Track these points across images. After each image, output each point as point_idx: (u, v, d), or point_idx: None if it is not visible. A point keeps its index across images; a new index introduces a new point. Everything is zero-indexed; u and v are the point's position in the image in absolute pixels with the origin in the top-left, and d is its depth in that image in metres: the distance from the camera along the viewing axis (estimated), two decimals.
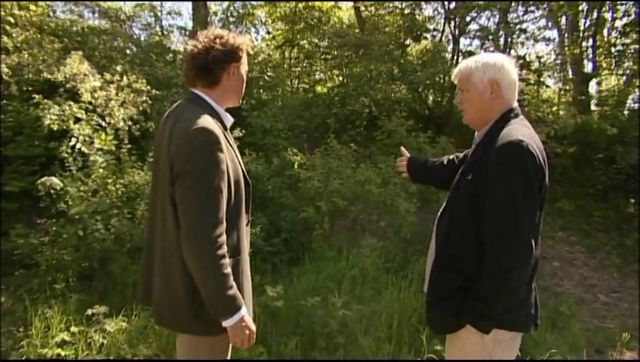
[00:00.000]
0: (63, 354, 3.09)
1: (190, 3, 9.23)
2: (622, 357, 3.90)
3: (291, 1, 9.99)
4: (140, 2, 9.74)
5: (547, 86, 9.70)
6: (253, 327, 1.79)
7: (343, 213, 5.52)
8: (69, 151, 4.42)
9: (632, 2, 8.30)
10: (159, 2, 14.50)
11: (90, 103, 4.93)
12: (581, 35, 9.01)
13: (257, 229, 4.48)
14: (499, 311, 1.75)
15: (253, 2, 10.34)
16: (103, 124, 4.88)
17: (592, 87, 9.61)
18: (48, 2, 7.56)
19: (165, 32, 9.56)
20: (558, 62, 9.13)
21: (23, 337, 3.26)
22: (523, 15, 8.89)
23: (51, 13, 7.71)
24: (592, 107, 9.12)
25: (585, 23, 9.06)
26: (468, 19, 8.95)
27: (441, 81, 8.96)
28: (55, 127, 4.56)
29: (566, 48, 9.13)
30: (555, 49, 9.55)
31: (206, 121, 1.72)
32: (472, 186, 1.82)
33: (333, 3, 10.73)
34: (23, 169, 4.91)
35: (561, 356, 3.54)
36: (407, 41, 9.68)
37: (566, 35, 9.52)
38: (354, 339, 3.44)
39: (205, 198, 1.66)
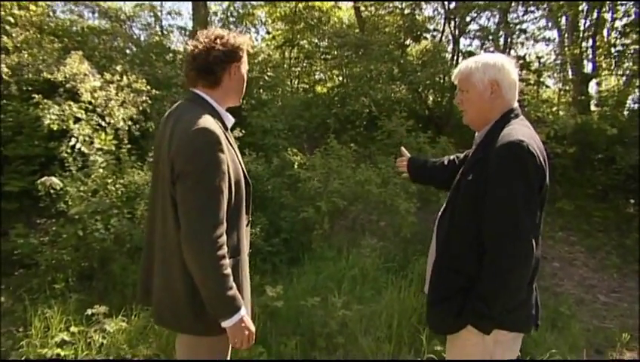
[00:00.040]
0: (62, 354, 3.09)
1: (190, 3, 9.23)
2: (622, 357, 3.90)
3: (291, 1, 9.99)
4: (140, 2, 9.74)
5: (547, 86, 9.70)
6: (253, 328, 1.79)
7: (343, 213, 5.52)
8: (69, 151, 4.42)
9: (632, 2, 8.30)
10: (159, 2, 14.51)
11: (90, 103, 4.93)
12: (581, 35, 9.01)
13: (257, 229, 4.47)
14: (499, 312, 1.75)
15: (253, 2, 10.35)
16: (103, 123, 4.88)
17: (592, 87, 9.62)
18: (48, 2, 7.55)
19: (165, 32, 9.56)
20: (558, 62, 9.13)
21: (23, 337, 3.26)
22: (523, 15, 8.90)
23: (51, 13, 7.70)
24: (592, 107, 9.13)
25: (585, 23, 9.06)
26: (468, 19, 8.95)
27: (441, 81, 8.96)
28: (55, 127, 4.56)
29: (566, 48, 9.13)
30: (555, 49, 9.55)
31: (207, 121, 1.72)
32: (473, 186, 1.82)
33: (333, 3, 10.73)
34: (23, 169, 4.90)
35: (561, 356, 3.54)
36: (407, 41, 9.68)
37: (566, 35, 9.52)
38: (354, 339, 3.44)
39: (206, 199, 1.65)
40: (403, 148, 2.60)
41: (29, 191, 4.59)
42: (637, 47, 8.17)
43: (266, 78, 7.81)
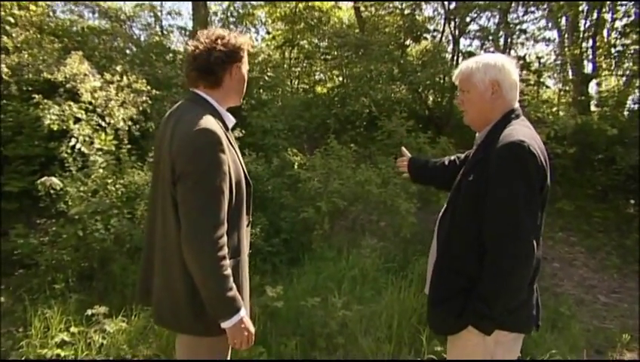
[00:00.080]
0: (62, 354, 3.08)
1: (190, 3, 9.23)
2: (622, 357, 3.90)
3: (291, 1, 9.98)
4: (140, 2, 9.74)
5: (547, 86, 9.70)
6: (252, 329, 1.79)
7: (343, 213, 5.51)
8: (69, 151, 4.42)
9: (632, 3, 8.30)
10: (159, 2, 14.51)
11: (90, 103, 4.93)
12: (581, 35, 9.02)
13: (257, 229, 4.47)
14: (500, 312, 1.75)
15: (253, 2, 10.35)
16: (103, 124, 4.88)
17: (592, 87, 9.63)
18: (48, 2, 7.55)
19: (165, 32, 9.57)
20: (558, 62, 9.13)
21: (23, 337, 3.26)
22: (523, 15, 8.90)
23: (51, 13, 7.70)
24: (592, 108, 9.13)
25: (585, 23, 9.06)
26: (468, 19, 8.95)
27: (441, 81, 8.96)
28: (55, 127, 4.56)
29: (566, 49, 9.13)
30: (555, 49, 9.56)
31: (208, 121, 1.71)
32: (474, 187, 1.82)
33: (333, 3, 10.73)
34: (23, 169, 4.90)
35: (561, 356, 3.54)
36: (407, 42, 9.68)
37: (566, 35, 9.52)
38: (354, 340, 3.44)
39: (206, 199, 1.65)
40: (404, 148, 2.59)
41: (29, 192, 4.59)
42: (637, 47, 8.17)
43: (266, 78, 7.81)
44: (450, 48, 9.50)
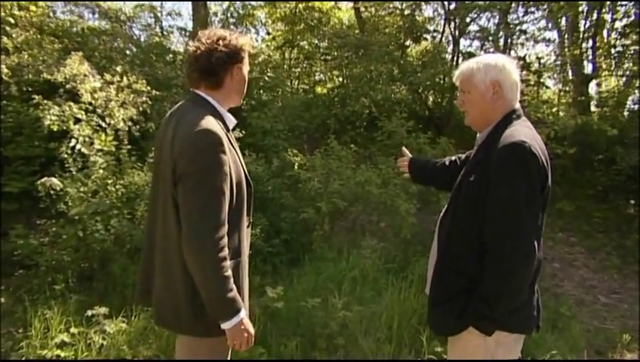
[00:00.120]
0: (62, 355, 3.08)
1: (190, 4, 9.23)
2: (622, 358, 3.90)
3: (292, 0, 9.98)
4: (140, 3, 9.75)
5: (547, 87, 9.71)
6: (252, 330, 1.79)
7: (343, 213, 5.51)
8: (69, 151, 4.42)
9: (631, 3, 8.31)
10: (159, 3, 14.53)
11: (90, 104, 4.92)
12: (581, 36, 9.02)
13: (257, 230, 4.47)
14: (501, 313, 1.75)
15: (253, 3, 10.35)
16: (103, 124, 4.87)
17: (592, 88, 9.63)
18: (48, 3, 7.55)
19: (165, 33, 9.56)
20: (558, 63, 9.14)
21: (23, 338, 3.26)
22: (523, 16, 8.91)
23: (51, 14, 7.70)
24: (592, 108, 9.13)
25: (585, 24, 9.07)
26: (468, 20, 8.95)
27: (441, 82, 8.96)
28: (55, 128, 4.55)
29: (566, 49, 9.13)
30: (555, 50, 9.56)
31: (209, 122, 1.71)
32: (474, 187, 1.82)
33: (333, 4, 10.73)
34: (23, 169, 4.90)
35: (561, 357, 3.54)
36: (407, 42, 9.69)
37: (566, 36, 9.52)
38: (354, 340, 3.44)
39: (207, 200, 1.65)
40: (404, 149, 2.59)
41: (29, 192, 4.58)
42: (637, 47, 8.18)
43: (266, 78, 7.81)
44: (450, 49, 9.52)
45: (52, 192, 4.13)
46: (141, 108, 5.45)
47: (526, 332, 1.91)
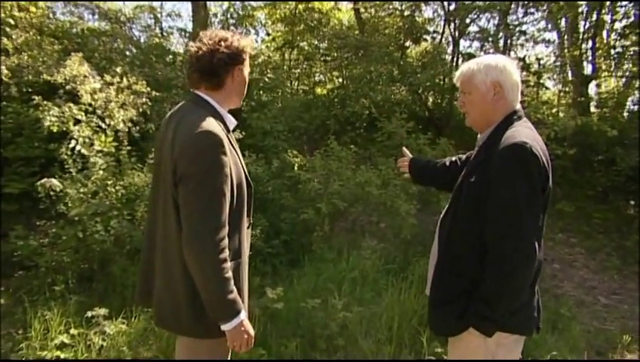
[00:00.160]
0: (62, 356, 3.07)
1: (190, 5, 9.24)
2: (622, 359, 3.90)
3: (291, 0, 10.00)
4: (140, 4, 9.76)
5: (547, 88, 9.73)
6: (252, 332, 1.78)
7: (343, 214, 5.51)
8: (69, 152, 4.41)
9: (631, 4, 8.31)
10: (159, 4, 14.54)
11: (90, 105, 4.92)
12: (581, 36, 9.03)
13: (257, 231, 4.47)
14: (502, 313, 1.75)
15: (253, 4, 10.36)
16: (103, 125, 4.87)
17: (592, 88, 9.64)
18: (48, 4, 7.56)
19: (165, 34, 9.56)
20: (558, 64, 9.15)
21: (23, 339, 3.25)
22: (523, 17, 8.92)
23: (51, 15, 7.71)
24: (592, 109, 9.14)
25: (584, 24, 9.08)
26: (467, 21, 8.96)
27: (441, 82, 8.97)
28: (55, 129, 4.55)
29: (565, 50, 9.14)
30: (554, 51, 9.57)
31: (210, 123, 1.71)
32: (475, 188, 1.82)
33: (332, 5, 10.74)
34: (23, 170, 4.90)
35: (561, 358, 3.54)
36: (407, 43, 9.70)
37: (565, 36, 9.53)
38: (354, 341, 3.43)
39: (208, 201, 1.65)
40: (405, 149, 2.59)
41: (28, 193, 4.58)
42: (636, 48, 8.18)
43: (266, 79, 7.81)
44: (450, 50, 9.53)
45: (52, 193, 4.13)
46: (141, 110, 5.45)
47: (526, 334, 1.91)
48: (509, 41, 9.15)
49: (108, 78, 5.36)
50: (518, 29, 8.82)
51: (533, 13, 8.81)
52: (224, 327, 1.70)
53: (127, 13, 9.41)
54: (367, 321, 3.59)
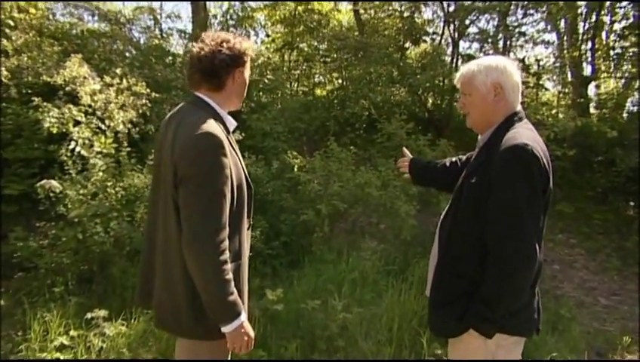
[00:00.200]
0: (61, 357, 3.07)
1: (190, 6, 9.24)
2: (622, 360, 3.90)
3: (291, 0, 9.99)
4: (140, 5, 9.76)
5: (546, 89, 9.74)
6: (252, 333, 1.78)
7: (343, 215, 5.51)
8: (69, 154, 4.41)
9: (630, 5, 8.32)
10: (159, 3, 14.56)
11: (89, 106, 4.92)
12: (580, 38, 9.04)
13: (257, 232, 4.47)
14: (502, 315, 1.75)
15: (253, 5, 10.37)
16: (103, 127, 4.87)
17: (591, 90, 9.65)
18: (48, 5, 7.56)
19: (165, 35, 9.57)
20: (557, 65, 9.16)
21: (22, 341, 3.24)
22: (522, 18, 8.93)
23: (51, 16, 7.71)
24: (591, 110, 9.15)
25: (584, 26, 9.09)
26: (467, 22, 8.98)
27: (441, 83, 8.98)
28: (54, 130, 4.55)
29: (565, 51, 9.15)
30: (554, 52, 9.58)
31: (210, 125, 1.71)
32: (476, 189, 1.81)
33: (332, 6, 10.75)
34: (23, 172, 4.89)
35: (561, 359, 3.54)
36: (407, 44, 9.71)
37: (565, 38, 9.54)
38: (354, 342, 3.43)
39: (208, 202, 1.65)
40: (405, 149, 2.59)
41: (28, 195, 4.58)
42: (636, 49, 8.19)
43: (266, 80, 7.83)
44: (449, 51, 9.55)
45: (51, 195, 4.13)
46: (141, 111, 5.45)
47: (526, 335, 1.91)
48: (508, 42, 9.17)
49: (107, 79, 5.37)
50: (517, 30, 8.85)
51: (532, 15, 8.82)
52: (224, 329, 1.70)
53: (127, 14, 9.42)
54: (367, 322, 3.58)
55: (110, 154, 4.62)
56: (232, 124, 1.91)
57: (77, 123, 4.68)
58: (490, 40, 8.85)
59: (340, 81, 10.19)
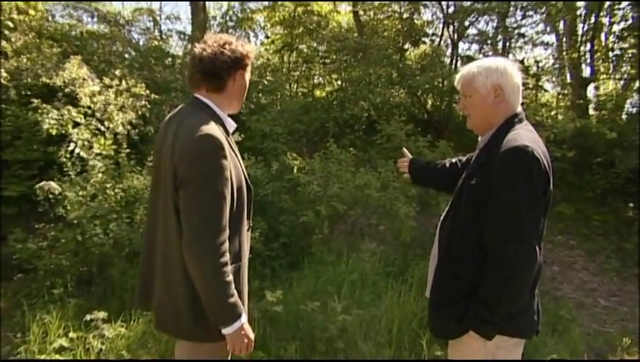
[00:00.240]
0: (61, 359, 3.06)
1: (189, 7, 9.25)
2: (622, 360, 3.89)
3: (291, 0, 10.00)
4: (139, 6, 9.77)
5: (545, 90, 9.75)
6: (252, 335, 1.78)
7: (343, 217, 5.50)
8: (68, 155, 4.41)
9: (629, 7, 8.33)
10: (158, 3, 14.56)
11: (89, 108, 4.92)
12: (579, 39, 9.05)
13: (257, 234, 4.46)
14: (502, 316, 1.74)
15: (252, 6, 10.38)
16: (102, 128, 4.87)
17: (590, 91, 9.65)
18: (47, 7, 7.56)
19: (164, 37, 9.58)
20: (557, 66, 9.17)
21: (21, 343, 3.23)
22: (521, 19, 8.94)
23: (50, 18, 7.73)
24: (591, 111, 9.16)
25: (583, 27, 9.10)
26: (466, 23, 8.99)
27: (440, 85, 8.99)
28: (54, 132, 4.55)
29: (564, 52, 9.16)
30: (553, 53, 9.59)
31: (210, 127, 1.71)
32: (476, 191, 1.81)
33: (331, 7, 10.76)
34: (22, 173, 4.89)
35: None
36: (406, 46, 9.73)
37: (564, 39, 9.55)
38: (354, 344, 3.42)
39: (208, 204, 1.65)
40: (405, 149, 2.59)
41: (27, 196, 4.57)
42: (635, 51, 8.20)
43: (265, 82, 7.83)
44: (448, 52, 9.56)
45: (51, 196, 4.13)
46: (140, 112, 5.45)
47: (526, 337, 1.91)
48: (507, 44, 9.18)
49: (107, 80, 5.37)
50: (516, 31, 8.86)
51: (531, 16, 8.83)
52: (225, 331, 1.69)
53: (126, 15, 9.43)
54: (367, 324, 3.58)
55: (109, 155, 4.62)
56: (231, 125, 1.91)
57: (76, 124, 4.68)
58: (489, 41, 8.87)
59: (339, 82, 10.20)
